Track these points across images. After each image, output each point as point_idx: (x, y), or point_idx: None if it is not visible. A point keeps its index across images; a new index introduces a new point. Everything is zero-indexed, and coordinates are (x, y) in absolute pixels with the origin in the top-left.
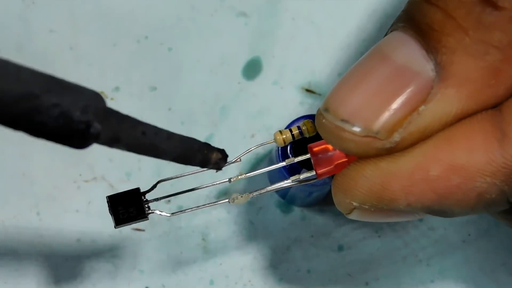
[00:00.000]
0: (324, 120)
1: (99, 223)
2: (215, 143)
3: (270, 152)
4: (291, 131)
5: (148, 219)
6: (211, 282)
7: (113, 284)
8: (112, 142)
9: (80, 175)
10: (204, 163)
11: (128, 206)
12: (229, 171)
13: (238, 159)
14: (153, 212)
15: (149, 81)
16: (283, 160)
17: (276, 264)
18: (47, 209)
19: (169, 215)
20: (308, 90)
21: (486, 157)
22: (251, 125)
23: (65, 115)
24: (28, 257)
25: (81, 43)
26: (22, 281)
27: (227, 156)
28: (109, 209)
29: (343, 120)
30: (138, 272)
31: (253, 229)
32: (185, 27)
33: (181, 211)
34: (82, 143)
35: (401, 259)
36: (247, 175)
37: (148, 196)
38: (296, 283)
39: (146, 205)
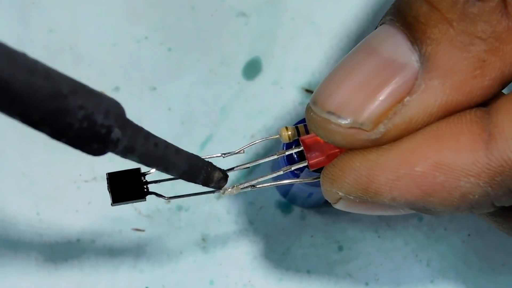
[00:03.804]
0: (311, 113)
1: (99, 223)
2: (215, 143)
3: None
4: (297, 128)
5: (145, 200)
6: (211, 282)
7: (113, 284)
8: (127, 151)
9: (80, 175)
10: (207, 181)
11: (127, 185)
12: (230, 165)
13: (242, 151)
14: (151, 194)
15: (149, 81)
16: (288, 160)
17: (276, 264)
18: (47, 209)
19: (166, 198)
20: (308, 90)
21: (471, 158)
22: (251, 125)
23: (89, 118)
24: (28, 257)
25: (81, 43)
26: (21, 281)
27: (227, 176)
28: (108, 186)
29: (329, 112)
30: (138, 272)
31: (253, 229)
32: (185, 27)
33: (178, 196)
34: (100, 149)
35: (401, 259)
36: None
37: (148, 179)
38: (296, 283)
39: (145, 186)
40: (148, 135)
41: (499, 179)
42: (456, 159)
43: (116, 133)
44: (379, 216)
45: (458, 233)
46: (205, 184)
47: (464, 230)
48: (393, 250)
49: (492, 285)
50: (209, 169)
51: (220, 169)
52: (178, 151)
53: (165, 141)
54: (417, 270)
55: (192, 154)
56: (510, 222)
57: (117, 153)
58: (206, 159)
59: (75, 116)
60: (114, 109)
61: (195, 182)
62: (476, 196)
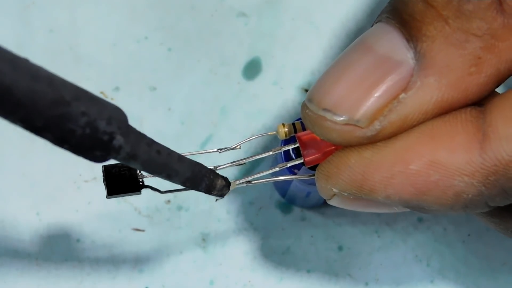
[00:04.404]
0: (307, 111)
1: (99, 223)
2: (215, 143)
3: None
4: (294, 125)
5: (140, 193)
6: (211, 282)
7: (113, 284)
8: (130, 158)
9: (80, 175)
10: (210, 189)
11: (122, 178)
12: (229, 160)
13: (238, 146)
14: (146, 187)
15: (149, 81)
16: (286, 158)
17: (276, 264)
18: (47, 209)
19: (161, 191)
20: (307, 90)
21: (466, 157)
22: (250, 125)
23: (91, 124)
24: (28, 257)
25: (81, 43)
26: (22, 281)
27: (230, 184)
28: (103, 179)
29: (325, 110)
30: (138, 272)
31: (253, 229)
32: (185, 27)
33: (173, 190)
34: (103, 155)
35: (401, 259)
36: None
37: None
38: (296, 283)
39: (140, 180)
40: (151, 142)
41: (493, 179)
42: (450, 158)
43: (119, 140)
44: (379, 216)
45: (458, 233)
46: (207, 191)
47: (464, 230)
48: (393, 250)
49: (492, 285)
50: (211, 176)
51: (222, 177)
52: (181, 158)
53: (168, 148)
54: (417, 270)
55: (195, 161)
56: (507, 223)
57: (119, 160)
58: (203, 154)
59: (77, 122)
60: (117, 115)
61: (198, 190)
62: (470, 196)
